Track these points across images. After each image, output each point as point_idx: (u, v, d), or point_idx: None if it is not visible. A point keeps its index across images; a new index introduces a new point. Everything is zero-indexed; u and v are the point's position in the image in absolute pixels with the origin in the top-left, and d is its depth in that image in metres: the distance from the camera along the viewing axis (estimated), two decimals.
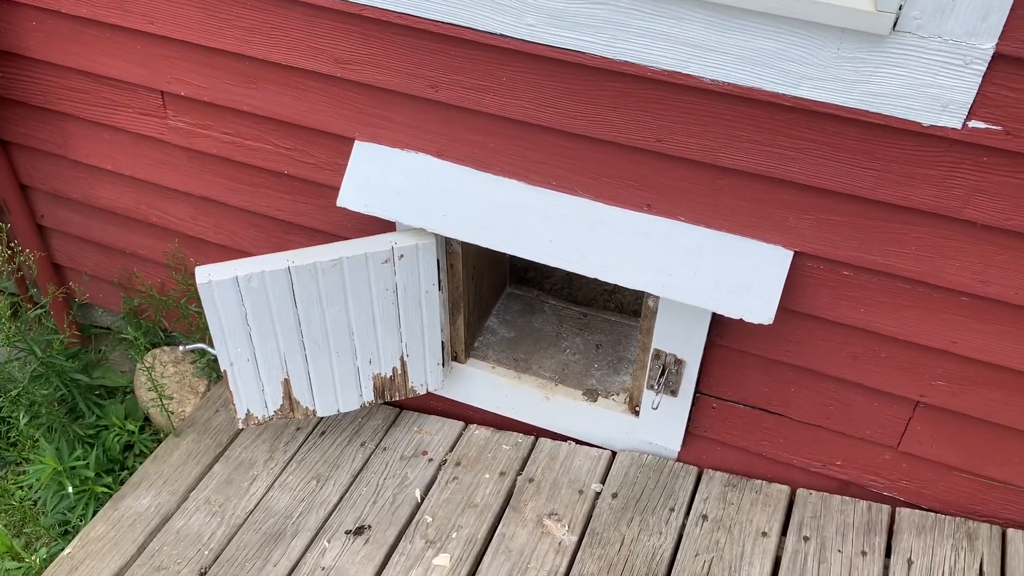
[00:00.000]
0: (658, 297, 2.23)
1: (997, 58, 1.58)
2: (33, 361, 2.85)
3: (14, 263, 2.93)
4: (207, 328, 2.47)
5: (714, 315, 2.19)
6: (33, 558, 2.66)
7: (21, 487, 2.96)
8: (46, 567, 2.49)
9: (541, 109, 2.01)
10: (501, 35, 1.91)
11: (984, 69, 1.59)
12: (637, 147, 1.98)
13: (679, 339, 2.26)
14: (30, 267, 2.92)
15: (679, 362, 2.31)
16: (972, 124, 1.67)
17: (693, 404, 2.41)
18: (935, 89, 1.64)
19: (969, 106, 1.64)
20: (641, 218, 2.09)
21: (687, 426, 2.46)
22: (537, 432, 2.70)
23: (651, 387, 2.37)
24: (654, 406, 2.41)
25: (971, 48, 1.57)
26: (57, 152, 2.82)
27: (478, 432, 2.74)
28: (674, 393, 2.38)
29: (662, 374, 2.32)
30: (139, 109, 2.56)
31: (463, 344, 2.66)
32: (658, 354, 2.32)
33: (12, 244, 2.97)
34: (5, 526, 2.84)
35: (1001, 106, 1.63)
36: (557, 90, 1.96)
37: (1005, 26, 1.53)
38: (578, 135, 2.02)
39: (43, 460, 2.73)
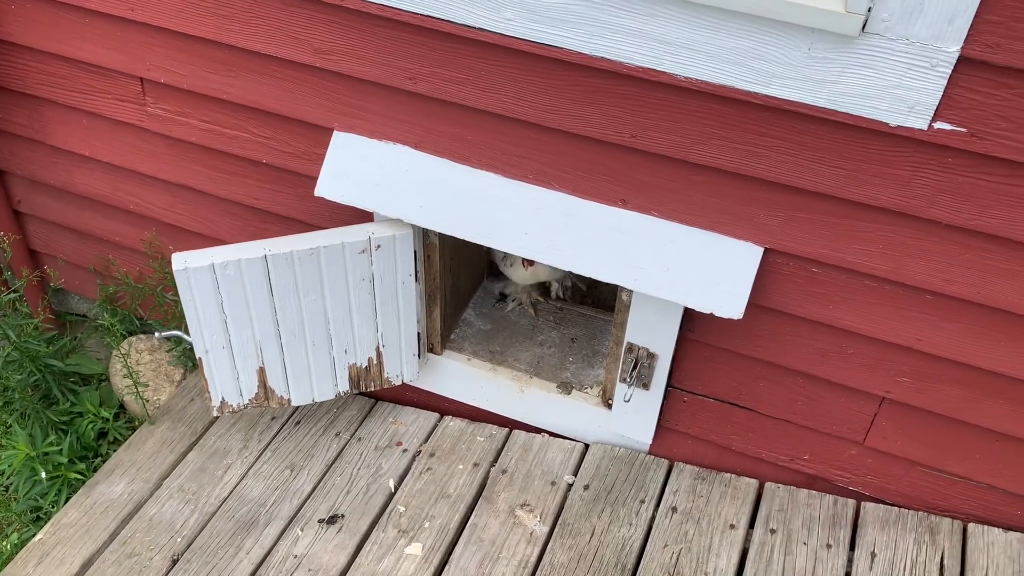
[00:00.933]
0: (631, 291, 2.25)
1: (962, 61, 1.61)
2: (7, 346, 2.84)
3: None
4: (183, 316, 2.47)
5: (686, 309, 2.22)
6: (4, 544, 2.66)
7: None
8: (17, 552, 2.48)
9: (518, 103, 2.03)
10: (479, 28, 1.93)
11: (950, 72, 1.62)
12: (612, 142, 2.01)
13: (652, 333, 2.29)
14: (5, 251, 2.91)
15: (651, 356, 2.34)
16: (937, 125, 1.70)
17: (665, 397, 2.44)
18: (902, 90, 1.68)
19: (935, 108, 1.68)
20: (616, 213, 2.11)
21: (659, 419, 2.49)
22: (511, 424, 2.72)
23: (624, 380, 2.40)
24: (626, 399, 2.44)
25: (937, 51, 1.61)
26: (35, 137, 2.81)
27: (453, 424, 2.76)
28: (646, 387, 2.41)
29: (634, 367, 2.35)
30: (118, 95, 2.56)
31: (439, 336, 2.68)
32: (631, 348, 2.34)
33: None
34: None
35: (966, 108, 1.67)
36: (534, 84, 1.98)
37: (970, 30, 1.57)
38: (555, 129, 2.05)
39: (16, 446, 2.72)
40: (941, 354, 2.05)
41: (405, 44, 2.04)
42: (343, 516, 2.49)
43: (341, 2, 2.02)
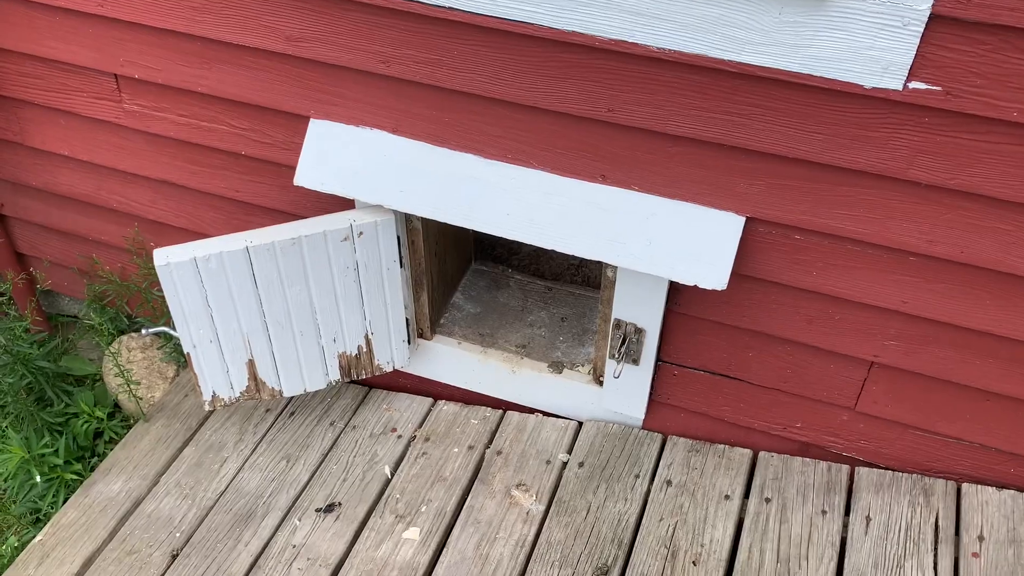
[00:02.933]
0: (616, 267, 2.25)
1: (934, 19, 1.60)
2: None
3: None
4: (171, 312, 2.46)
5: (671, 283, 2.22)
6: (3, 547, 2.67)
7: None
8: (18, 555, 2.49)
9: (494, 82, 2.02)
10: (449, 8, 1.91)
11: (921, 30, 1.61)
12: (589, 118, 1.99)
13: (638, 308, 2.29)
14: None
15: (639, 331, 2.33)
16: (912, 85, 1.69)
17: (655, 372, 2.44)
18: (875, 51, 1.66)
19: (909, 67, 1.67)
20: (596, 189, 2.10)
21: (650, 394, 2.49)
22: (505, 406, 2.72)
23: (613, 357, 2.40)
24: (616, 375, 2.43)
25: (908, 9, 1.59)
26: (14, 139, 2.80)
27: (446, 408, 2.76)
28: (636, 362, 2.40)
29: (623, 343, 2.35)
30: (93, 93, 2.54)
31: (428, 321, 2.67)
32: (618, 324, 2.34)
33: None
34: None
35: (940, 66, 1.65)
36: (509, 62, 1.97)
37: None
38: (531, 107, 2.03)
39: (10, 449, 2.72)
40: (928, 316, 2.05)
41: (377, 27, 2.03)
42: (340, 504, 2.50)
43: None
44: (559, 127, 2.04)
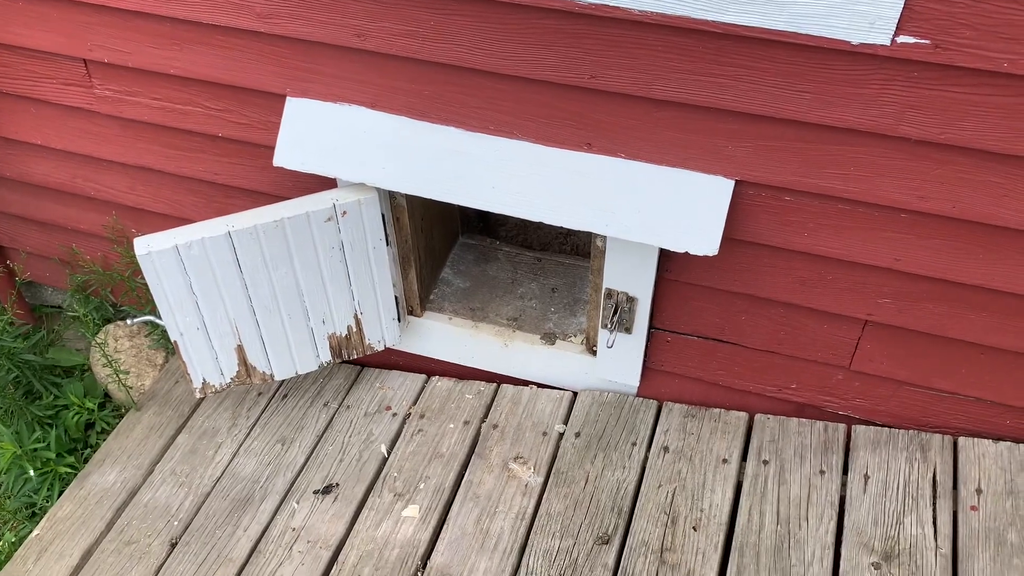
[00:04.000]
0: (605, 237, 2.22)
1: None
2: None
3: None
4: (155, 301, 2.43)
5: (661, 250, 2.19)
6: (0, 543, 2.65)
7: None
8: (15, 550, 2.48)
9: (473, 52, 1.97)
10: None
11: None
12: (572, 85, 1.95)
13: (629, 277, 2.26)
14: None
15: (631, 299, 2.31)
16: (901, 39, 1.65)
17: (648, 339, 2.43)
18: (862, 6, 1.62)
19: (896, 21, 1.63)
20: (582, 157, 2.07)
21: (644, 361, 2.48)
22: (499, 379, 2.71)
23: (605, 326, 2.38)
24: (609, 345, 2.42)
25: None
26: None
27: (440, 384, 2.74)
28: (628, 330, 2.39)
29: (615, 312, 2.33)
30: (63, 80, 2.47)
31: (418, 297, 2.64)
32: (610, 293, 2.32)
33: None
34: None
35: (928, 19, 1.62)
36: (487, 31, 1.92)
37: None
38: (512, 76, 1.99)
39: (2, 444, 2.70)
40: (921, 272, 2.03)
41: (351, 0, 1.97)
42: (338, 485, 2.49)
43: None
44: (542, 96, 2.00)
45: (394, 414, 2.67)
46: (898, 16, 1.62)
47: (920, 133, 1.78)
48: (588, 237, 2.93)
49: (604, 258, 2.26)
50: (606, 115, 1.98)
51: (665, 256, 2.21)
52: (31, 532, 2.48)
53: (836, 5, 1.63)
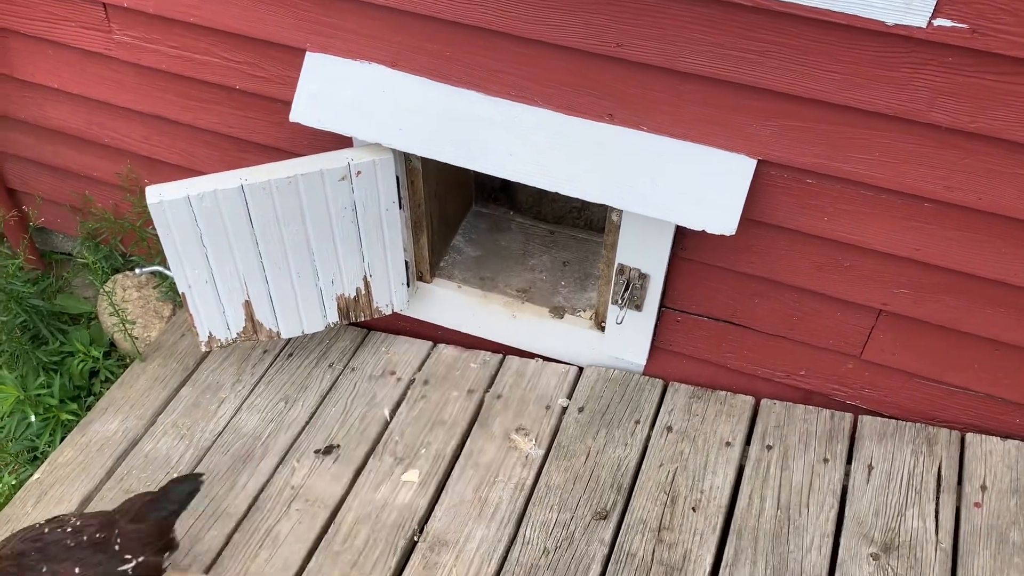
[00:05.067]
0: (621, 211, 2.19)
1: None
2: None
3: None
4: (165, 252, 2.41)
5: (677, 228, 2.16)
6: (1, 485, 2.66)
7: None
8: (15, 493, 2.49)
9: (498, 14, 1.93)
10: None
11: None
12: (597, 53, 1.91)
13: (643, 253, 2.24)
14: None
15: (643, 276, 2.29)
16: (937, 22, 1.61)
17: (658, 318, 2.40)
18: None
19: (934, 4, 1.58)
20: (603, 128, 2.03)
21: (652, 340, 2.46)
22: (505, 350, 2.69)
23: (616, 302, 2.36)
24: (619, 321, 2.40)
25: None
26: (2, 71, 2.71)
27: (446, 351, 2.73)
28: (639, 308, 2.36)
29: (626, 289, 2.30)
30: (81, 23, 2.44)
31: (428, 263, 2.62)
32: (622, 269, 2.29)
33: None
34: None
35: (967, 3, 1.57)
36: None
37: None
38: (537, 41, 1.95)
39: (5, 388, 2.70)
40: (941, 263, 2.00)
41: None
42: (339, 446, 2.49)
43: None
44: (566, 63, 1.96)
45: (398, 379, 2.66)
46: None
47: (950, 120, 1.74)
48: (603, 211, 2.90)
49: (619, 233, 2.23)
50: (630, 86, 1.94)
51: (680, 233, 2.18)
52: (31, 476, 2.49)
53: None
